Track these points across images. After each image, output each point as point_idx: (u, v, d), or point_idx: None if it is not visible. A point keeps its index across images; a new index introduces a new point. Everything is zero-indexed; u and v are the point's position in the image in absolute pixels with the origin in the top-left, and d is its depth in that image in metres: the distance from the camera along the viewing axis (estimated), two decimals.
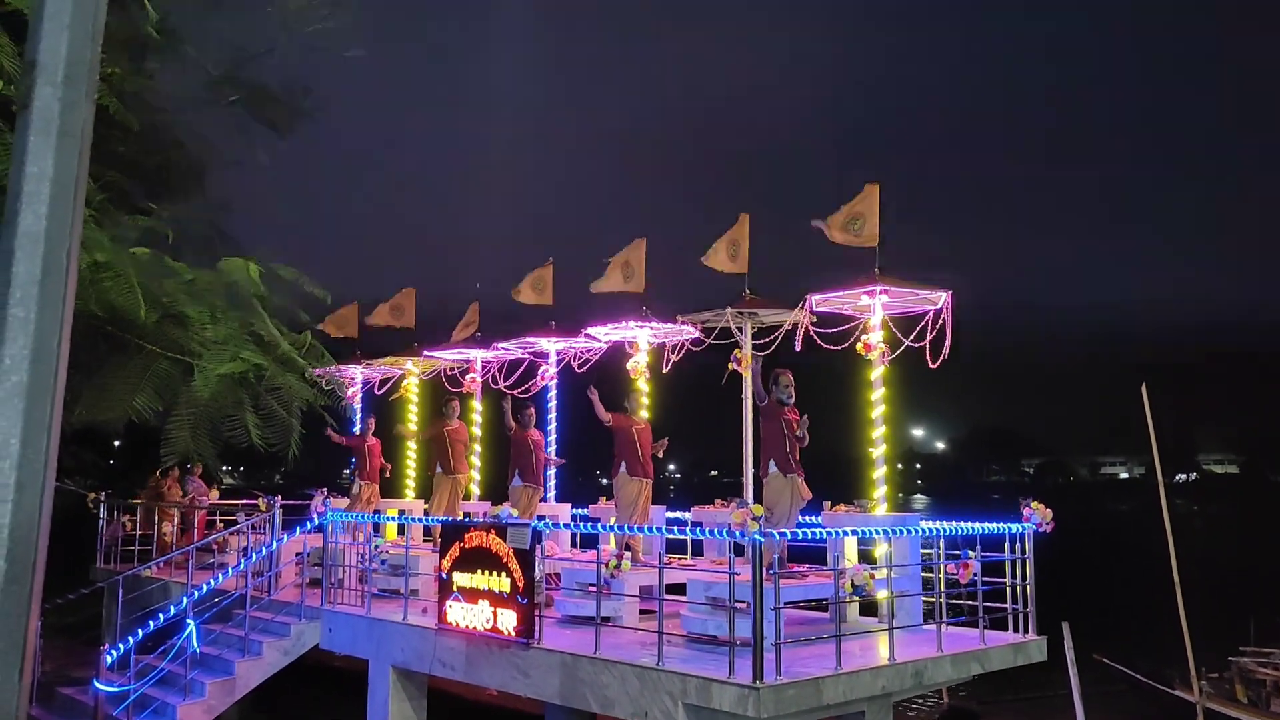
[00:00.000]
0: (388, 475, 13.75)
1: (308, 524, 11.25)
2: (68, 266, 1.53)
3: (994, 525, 8.86)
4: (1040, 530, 8.89)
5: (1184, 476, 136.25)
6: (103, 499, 15.28)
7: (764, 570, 7.02)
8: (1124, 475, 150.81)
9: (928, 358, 9.22)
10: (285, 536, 11.45)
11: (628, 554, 9.24)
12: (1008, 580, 8.83)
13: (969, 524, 8.72)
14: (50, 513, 1.50)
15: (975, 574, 8.47)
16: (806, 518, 9.53)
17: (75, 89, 1.58)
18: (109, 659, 9.39)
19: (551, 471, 12.66)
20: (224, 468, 18.28)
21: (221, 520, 15.11)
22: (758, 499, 9.21)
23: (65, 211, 1.54)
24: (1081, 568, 33.84)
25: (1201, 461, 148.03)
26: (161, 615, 10.14)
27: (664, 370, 11.41)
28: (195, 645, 10.09)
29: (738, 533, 7.34)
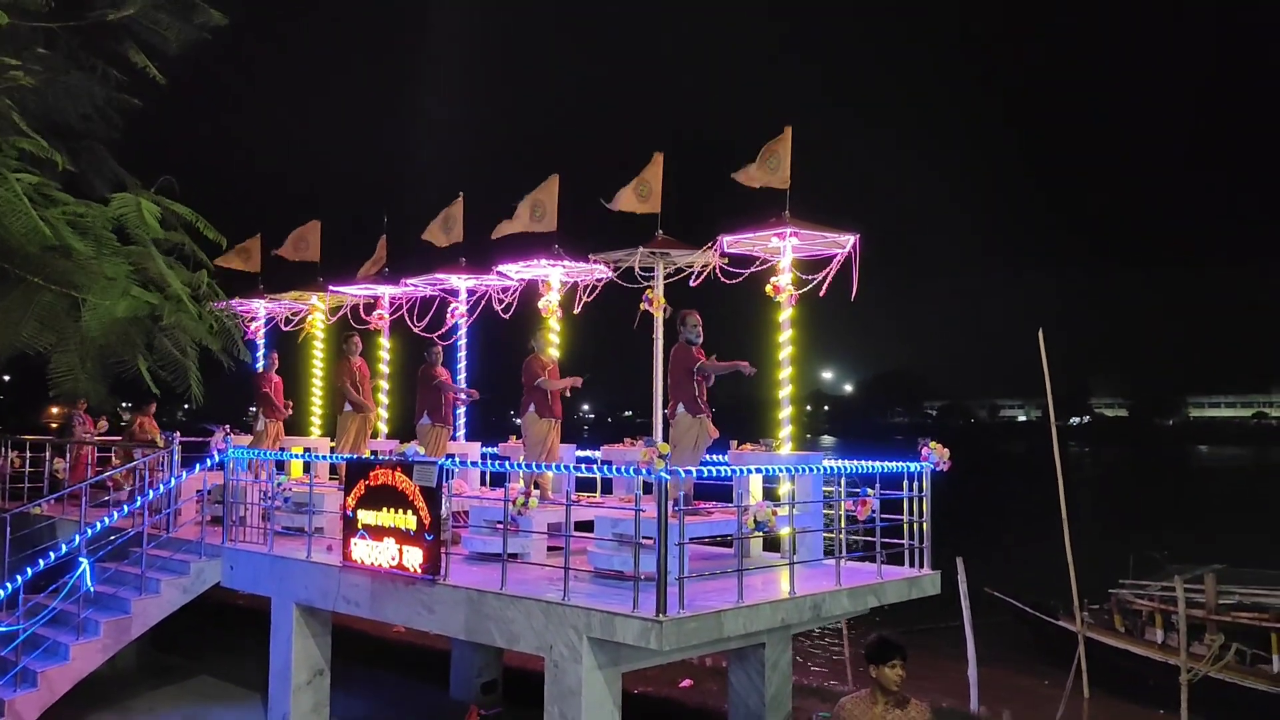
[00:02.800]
0: (290, 412, 13.45)
1: (208, 460, 10.97)
2: None
3: (893, 464, 9.12)
4: (937, 469, 9.17)
5: (1077, 419, 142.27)
6: None
7: (669, 507, 7.10)
8: (1021, 418, 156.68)
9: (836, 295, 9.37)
10: (185, 474, 11.15)
11: (536, 491, 9.27)
12: (905, 517, 9.11)
13: (869, 463, 8.95)
14: None
15: (873, 511, 8.71)
16: (713, 456, 9.66)
17: None
18: None
19: (461, 410, 12.56)
20: (123, 404, 17.59)
21: (117, 458, 14.60)
22: (666, 438, 9.30)
23: None
24: (976, 506, 35.22)
25: (1094, 405, 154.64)
26: (52, 553, 9.81)
27: (573, 310, 11.29)
28: (89, 583, 9.82)
29: (644, 470, 7.40)
